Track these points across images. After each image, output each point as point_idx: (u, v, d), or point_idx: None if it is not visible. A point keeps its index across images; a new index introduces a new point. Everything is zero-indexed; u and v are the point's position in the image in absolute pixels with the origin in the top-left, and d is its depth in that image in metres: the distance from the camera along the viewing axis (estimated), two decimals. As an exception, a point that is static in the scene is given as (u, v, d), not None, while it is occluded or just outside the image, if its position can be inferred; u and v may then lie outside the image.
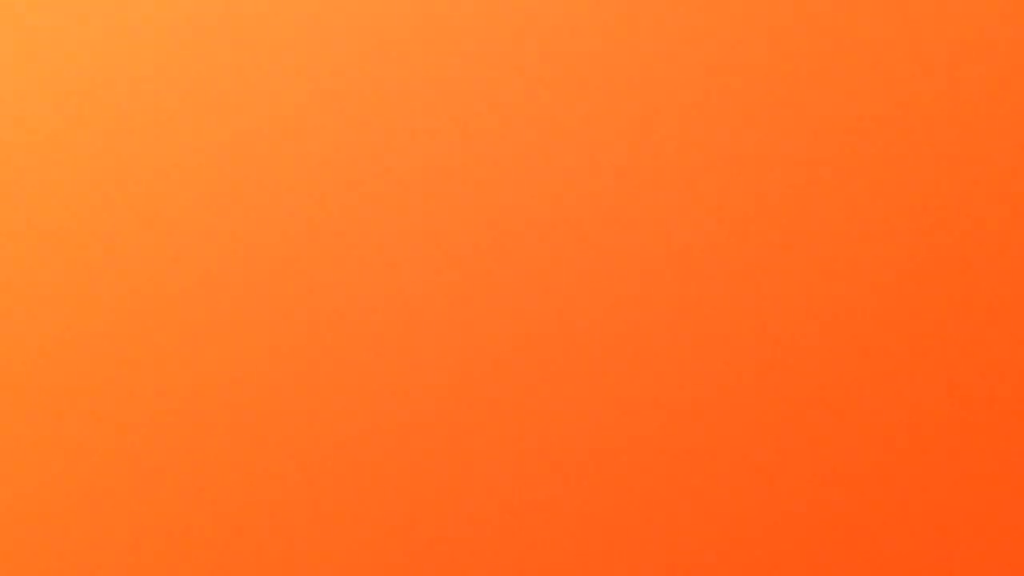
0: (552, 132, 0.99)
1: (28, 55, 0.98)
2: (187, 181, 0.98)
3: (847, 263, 1.00)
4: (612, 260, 0.99)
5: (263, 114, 0.99)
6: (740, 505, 0.99)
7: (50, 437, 0.98)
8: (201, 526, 0.98)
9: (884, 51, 1.00)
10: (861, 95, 1.00)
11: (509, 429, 0.99)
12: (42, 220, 0.98)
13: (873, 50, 1.00)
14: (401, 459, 0.99)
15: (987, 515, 0.99)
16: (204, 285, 0.98)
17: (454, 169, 0.99)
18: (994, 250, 1.00)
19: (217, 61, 0.99)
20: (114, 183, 0.98)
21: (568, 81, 1.00)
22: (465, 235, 0.99)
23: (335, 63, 0.99)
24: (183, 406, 0.98)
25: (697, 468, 0.99)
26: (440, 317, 0.99)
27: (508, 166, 0.99)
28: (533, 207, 0.99)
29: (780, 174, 1.00)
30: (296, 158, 0.99)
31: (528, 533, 0.99)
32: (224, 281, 0.98)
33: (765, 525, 0.99)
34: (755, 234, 1.00)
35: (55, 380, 0.98)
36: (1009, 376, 0.99)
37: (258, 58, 0.99)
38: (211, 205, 0.99)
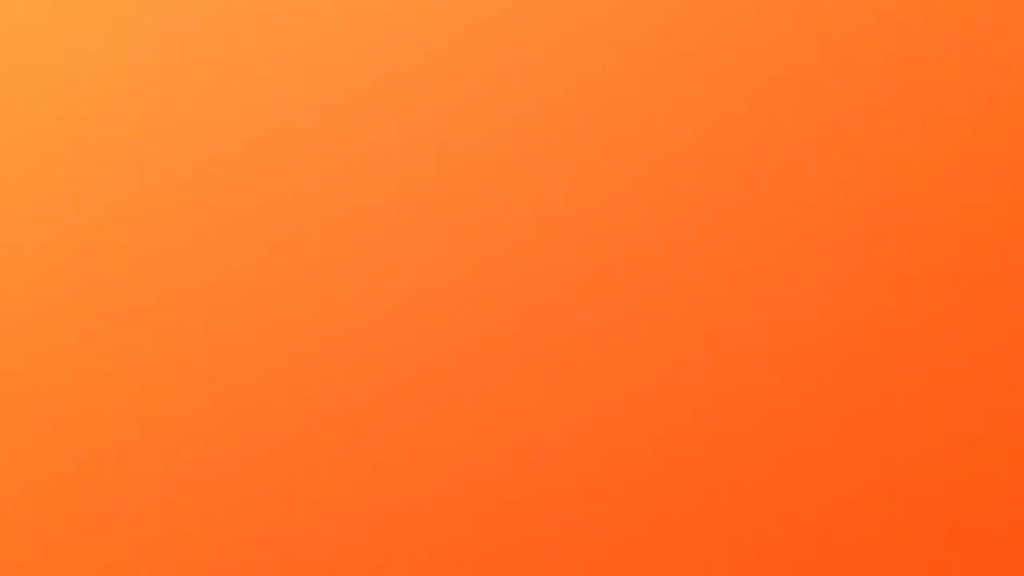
0: (553, 133, 1.00)
1: (28, 55, 0.98)
2: (187, 182, 0.99)
3: (848, 265, 1.00)
4: (613, 262, 0.99)
5: (264, 115, 0.99)
6: (741, 508, 0.99)
7: (50, 437, 0.98)
8: (201, 526, 0.98)
9: (885, 51, 1.00)
10: (862, 96, 1.00)
11: (510, 431, 0.99)
12: (42, 220, 0.98)
13: (874, 50, 1.00)
14: (402, 461, 0.99)
15: (987, 516, 0.99)
16: (205, 286, 0.98)
17: (454, 170, 0.99)
18: (994, 250, 1.00)
19: (217, 61, 0.99)
20: (114, 184, 0.98)
21: (569, 82, 1.00)
22: (465, 237, 0.99)
23: (336, 63, 0.99)
24: (183, 407, 0.98)
25: (699, 471, 0.99)
26: (440, 319, 0.99)
27: (509, 168, 0.99)
28: (534, 208, 0.99)
29: (781, 176, 1.00)
30: (297, 159, 0.99)
31: (528, 535, 0.99)
32: (225, 282, 0.98)
33: (766, 527, 0.99)
34: (756, 236, 1.00)
35: (55, 380, 0.98)
36: (1009, 376, 0.99)
37: (259, 58, 0.99)
38: (211, 206, 0.99)
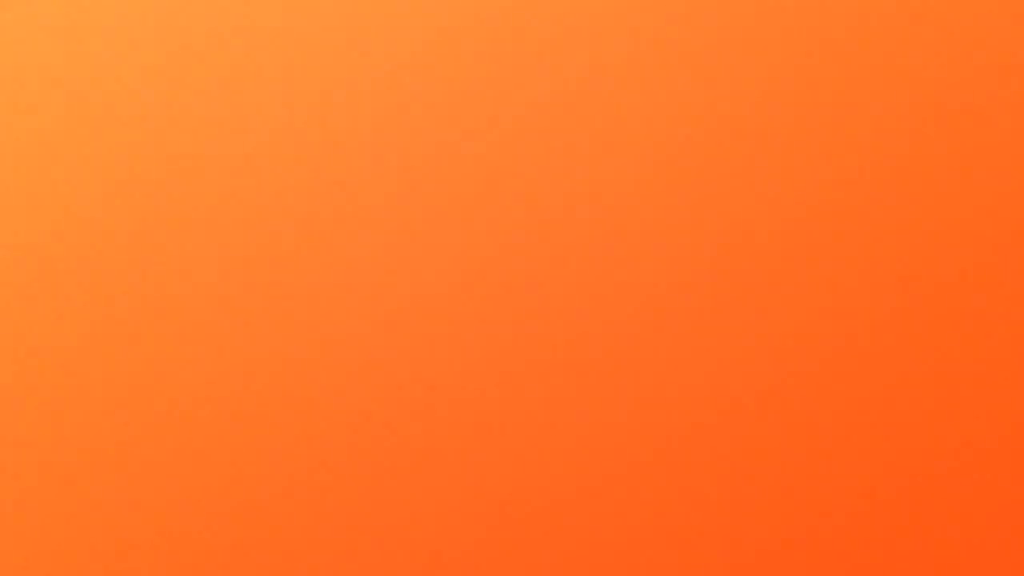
0: (552, 134, 1.00)
1: (28, 55, 0.98)
2: (187, 182, 0.99)
3: (848, 265, 1.00)
4: (612, 262, 0.99)
5: (264, 115, 0.99)
6: (741, 508, 0.99)
7: (50, 437, 0.98)
8: (201, 526, 0.98)
9: (885, 51, 1.00)
10: (862, 96, 1.00)
11: (510, 432, 0.99)
12: (42, 220, 0.98)
13: (874, 51, 1.00)
14: (402, 461, 0.99)
15: (987, 516, 0.99)
16: (205, 286, 0.98)
17: (454, 171, 0.99)
18: (994, 251, 1.00)
19: (218, 62, 0.99)
20: (115, 184, 0.99)
21: (569, 82, 1.00)
22: (466, 238, 0.99)
23: (336, 64, 0.99)
24: (184, 407, 0.98)
25: (700, 472, 0.99)
26: (440, 319, 0.99)
27: (509, 168, 0.99)
28: (533, 209, 0.99)
29: (781, 177, 1.00)
30: (297, 159, 0.99)
31: (528, 535, 0.99)
32: (225, 282, 0.99)
33: (766, 527, 0.99)
34: (757, 238, 1.00)
35: (55, 380, 0.98)
36: (1009, 376, 0.99)
37: (259, 58, 0.99)
38: (211, 206, 0.99)
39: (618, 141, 1.00)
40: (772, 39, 1.00)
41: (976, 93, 1.00)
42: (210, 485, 0.98)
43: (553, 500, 0.99)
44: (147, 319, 0.98)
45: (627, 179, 1.00)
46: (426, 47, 0.99)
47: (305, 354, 0.99)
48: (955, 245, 1.00)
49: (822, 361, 0.99)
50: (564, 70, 1.00)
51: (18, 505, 0.98)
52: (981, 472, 0.99)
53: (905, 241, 1.00)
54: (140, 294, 0.98)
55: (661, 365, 0.99)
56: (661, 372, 0.99)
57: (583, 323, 0.99)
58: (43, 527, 0.98)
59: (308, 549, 0.98)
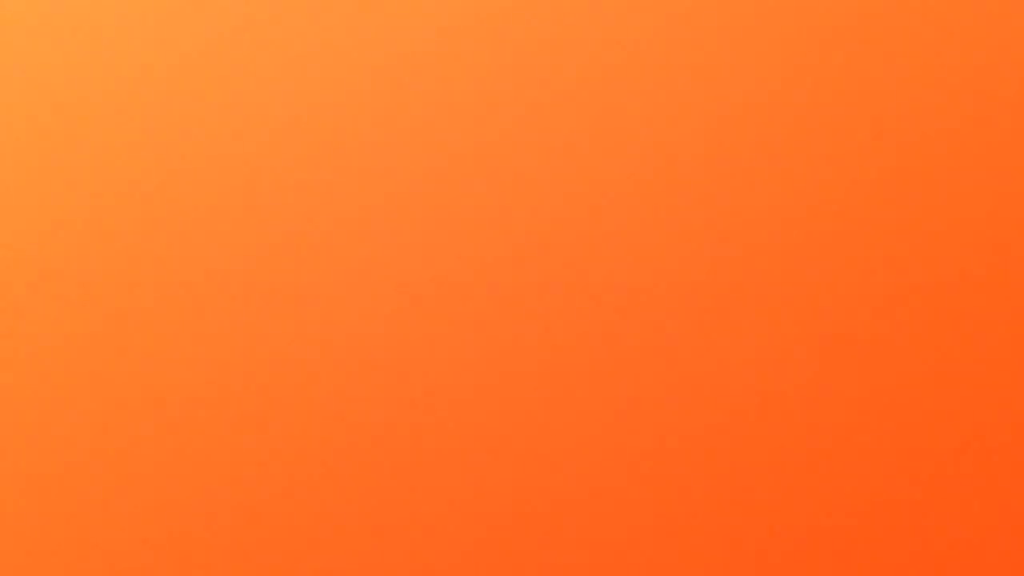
0: (553, 134, 1.00)
1: (28, 55, 0.98)
2: (188, 183, 0.99)
3: (848, 266, 1.00)
4: (613, 263, 0.99)
5: (264, 115, 0.99)
6: (741, 509, 0.99)
7: (50, 437, 0.98)
8: (201, 526, 0.98)
9: (885, 51, 1.00)
10: (862, 97, 1.00)
11: (510, 433, 0.99)
12: (42, 220, 0.98)
13: (874, 51, 1.00)
14: (402, 462, 0.99)
15: (987, 516, 0.99)
16: (205, 287, 0.98)
17: (454, 171, 0.99)
18: (994, 251, 1.00)
19: (218, 61, 0.99)
20: (115, 183, 0.99)
21: (569, 82, 1.00)
22: (465, 237, 0.99)
23: (336, 63, 0.99)
24: (184, 407, 0.98)
25: (698, 472, 0.99)
26: (440, 320, 0.99)
27: (509, 169, 0.99)
28: (534, 210, 0.99)
29: (782, 178, 1.00)
30: (297, 160, 0.99)
31: (528, 535, 0.99)
32: (225, 283, 0.99)
33: (766, 528, 0.99)
34: (757, 238, 1.00)
35: (55, 380, 0.98)
36: (1009, 376, 1.00)
37: (259, 58, 0.99)
38: (211, 206, 0.99)
39: (618, 142, 1.00)
40: (773, 40, 1.00)
41: (977, 93, 1.00)
42: (210, 486, 0.98)
43: (553, 502, 0.99)
44: (146, 319, 0.98)
45: (628, 180, 1.00)
46: (426, 47, 0.99)
47: (305, 355, 0.99)
48: (957, 247, 1.00)
49: (823, 363, 0.99)
50: (564, 70, 1.00)
51: (18, 505, 0.98)
52: (983, 476, 0.99)
53: (907, 243, 1.00)
54: (139, 294, 0.98)
55: (662, 367, 0.99)
56: (662, 374, 0.99)
57: (583, 324, 0.99)
58: (43, 527, 0.98)
59: (308, 550, 0.98)
